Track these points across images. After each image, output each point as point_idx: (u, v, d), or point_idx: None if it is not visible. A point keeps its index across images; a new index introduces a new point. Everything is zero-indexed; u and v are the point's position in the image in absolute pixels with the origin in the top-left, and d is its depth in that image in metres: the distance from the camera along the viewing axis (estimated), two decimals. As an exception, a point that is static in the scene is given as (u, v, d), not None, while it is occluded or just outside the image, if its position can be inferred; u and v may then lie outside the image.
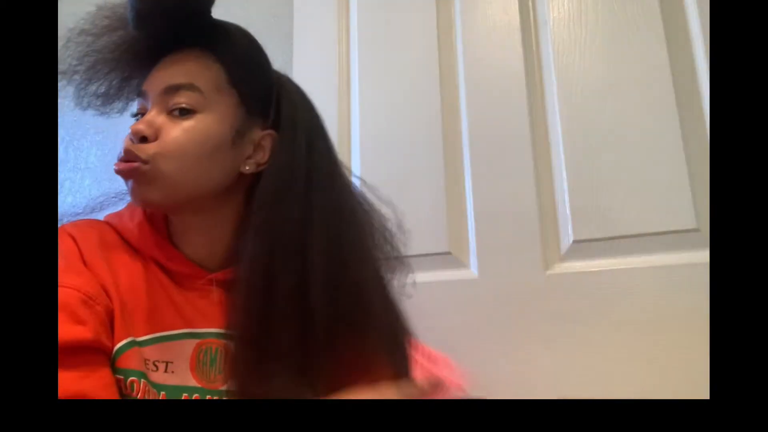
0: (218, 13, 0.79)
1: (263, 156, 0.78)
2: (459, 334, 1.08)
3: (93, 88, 0.80)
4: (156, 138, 0.71)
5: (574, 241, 1.06)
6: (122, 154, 0.72)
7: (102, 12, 0.77)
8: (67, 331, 0.62)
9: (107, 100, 0.81)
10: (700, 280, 0.93)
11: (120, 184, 0.76)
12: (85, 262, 0.71)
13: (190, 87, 0.72)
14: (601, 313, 1.00)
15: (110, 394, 0.64)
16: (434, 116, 1.22)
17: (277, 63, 0.86)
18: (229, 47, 0.76)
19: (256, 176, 0.78)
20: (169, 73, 0.74)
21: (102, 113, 0.82)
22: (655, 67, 1.05)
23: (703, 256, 0.95)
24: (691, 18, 1.05)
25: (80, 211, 0.86)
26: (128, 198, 0.77)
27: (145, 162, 0.70)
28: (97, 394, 0.62)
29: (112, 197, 0.86)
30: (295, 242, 0.74)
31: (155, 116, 0.72)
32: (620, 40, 1.09)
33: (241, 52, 0.77)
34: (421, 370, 0.74)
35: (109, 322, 0.68)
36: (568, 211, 1.08)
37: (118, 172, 0.72)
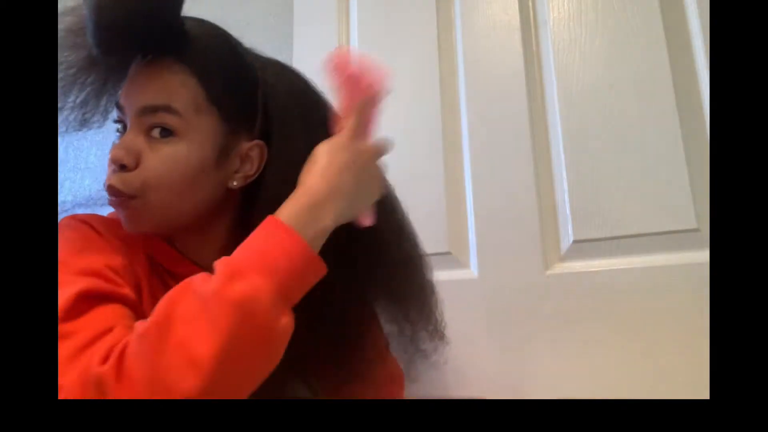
0: (218, 14, 0.78)
1: (251, 167, 0.75)
2: (459, 334, 1.08)
3: (69, 106, 0.76)
4: (137, 165, 0.69)
5: (574, 241, 1.06)
6: (105, 185, 0.70)
7: (64, 19, 0.72)
8: (108, 288, 0.63)
9: (85, 120, 0.78)
10: (700, 280, 0.93)
11: None
12: (106, 242, 0.71)
13: (166, 109, 0.69)
14: (601, 313, 1.00)
15: None
16: (434, 116, 1.22)
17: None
18: (203, 58, 0.72)
19: (249, 185, 0.76)
20: (144, 90, 0.70)
21: (81, 130, 0.79)
22: (655, 67, 1.05)
23: (703, 256, 0.95)
24: (691, 18, 1.05)
25: (83, 202, 0.86)
26: None
27: (131, 197, 0.69)
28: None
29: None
30: None
31: (134, 139, 0.70)
32: (620, 40, 1.09)
33: (217, 62, 0.73)
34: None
35: (138, 295, 0.69)
36: (568, 211, 1.08)
37: (111, 204, 0.72)
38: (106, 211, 0.81)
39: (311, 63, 1.34)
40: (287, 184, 0.71)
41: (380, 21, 1.33)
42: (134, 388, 0.52)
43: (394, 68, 1.29)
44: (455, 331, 1.08)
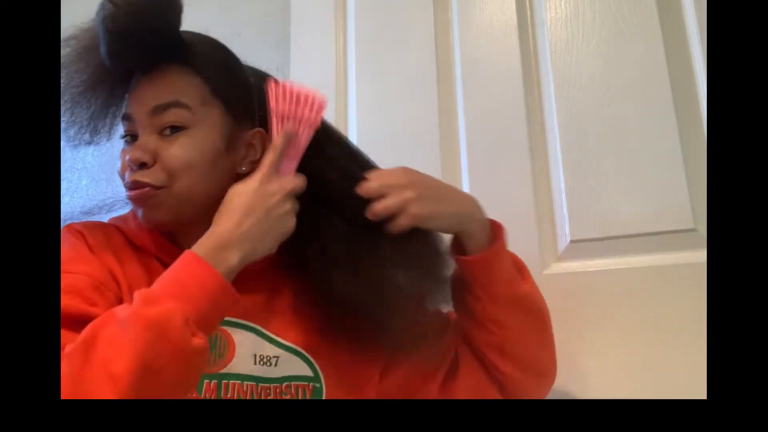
0: (215, 15, 0.79)
1: (254, 153, 0.81)
2: (456, 333, 1.08)
3: (78, 123, 0.81)
4: (155, 161, 0.74)
5: (571, 241, 1.06)
6: (128, 182, 0.75)
7: (67, 44, 0.78)
8: (81, 309, 0.65)
9: (93, 132, 0.82)
10: (697, 280, 0.93)
11: (121, 190, 0.77)
12: (93, 254, 0.74)
13: (177, 104, 0.74)
14: (597, 313, 1.01)
15: None
16: (431, 116, 1.22)
17: (274, 64, 0.87)
18: (204, 59, 0.78)
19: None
20: (153, 93, 0.75)
21: (90, 145, 0.84)
22: (652, 68, 1.05)
23: (700, 256, 0.95)
24: (689, 18, 1.06)
25: (87, 210, 0.89)
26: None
27: (159, 187, 0.73)
28: None
29: (120, 200, 0.89)
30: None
31: (147, 139, 0.75)
32: (617, 41, 1.09)
33: (216, 61, 0.79)
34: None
35: (122, 301, 0.71)
36: (565, 211, 1.08)
37: (132, 199, 0.75)
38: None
39: (308, 63, 1.35)
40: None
41: (377, 21, 1.33)
42: None
43: (392, 68, 1.29)
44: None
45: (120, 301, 0.72)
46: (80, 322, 0.63)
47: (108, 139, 0.84)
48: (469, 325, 0.85)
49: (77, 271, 0.70)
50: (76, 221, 0.81)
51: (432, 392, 0.87)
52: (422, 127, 1.22)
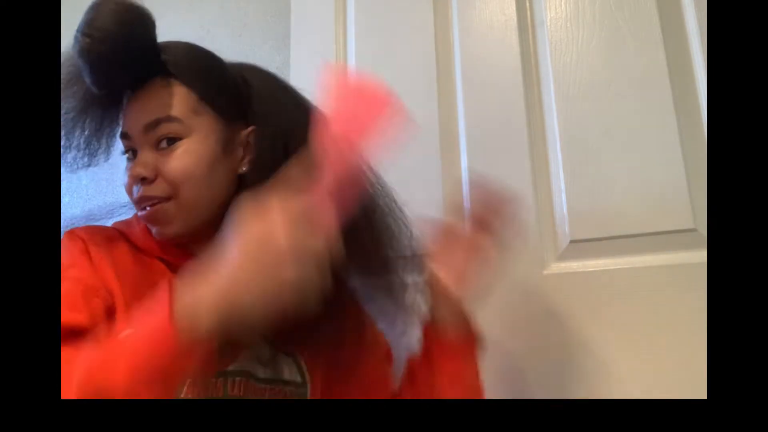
0: (216, 15, 0.79)
1: (252, 152, 0.81)
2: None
3: (74, 147, 0.83)
4: (156, 176, 0.75)
5: (571, 241, 1.06)
6: (137, 198, 0.76)
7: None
8: (65, 317, 0.65)
9: (91, 155, 0.85)
10: (697, 280, 0.93)
11: (121, 194, 0.79)
12: (92, 261, 0.75)
13: (167, 119, 0.76)
14: (598, 313, 1.01)
15: None
16: (431, 116, 1.22)
17: (275, 64, 0.87)
18: (187, 69, 0.79)
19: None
20: (143, 110, 0.77)
21: (88, 167, 0.86)
22: (652, 67, 1.05)
23: (701, 256, 0.95)
24: (689, 18, 1.06)
25: (91, 216, 0.90)
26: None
27: (166, 199, 0.75)
28: None
29: (122, 206, 0.90)
30: None
31: (146, 156, 0.76)
32: (617, 40, 1.09)
33: (199, 69, 0.80)
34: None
35: (106, 314, 0.71)
36: (565, 211, 1.08)
37: (144, 219, 0.78)
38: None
39: (308, 63, 1.35)
40: (272, 151, 0.79)
41: (377, 21, 1.33)
42: None
43: (392, 68, 1.29)
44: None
45: (107, 307, 0.72)
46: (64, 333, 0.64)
47: (106, 160, 0.86)
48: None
49: (67, 276, 0.71)
50: (78, 226, 0.82)
51: None
52: (422, 127, 1.22)
